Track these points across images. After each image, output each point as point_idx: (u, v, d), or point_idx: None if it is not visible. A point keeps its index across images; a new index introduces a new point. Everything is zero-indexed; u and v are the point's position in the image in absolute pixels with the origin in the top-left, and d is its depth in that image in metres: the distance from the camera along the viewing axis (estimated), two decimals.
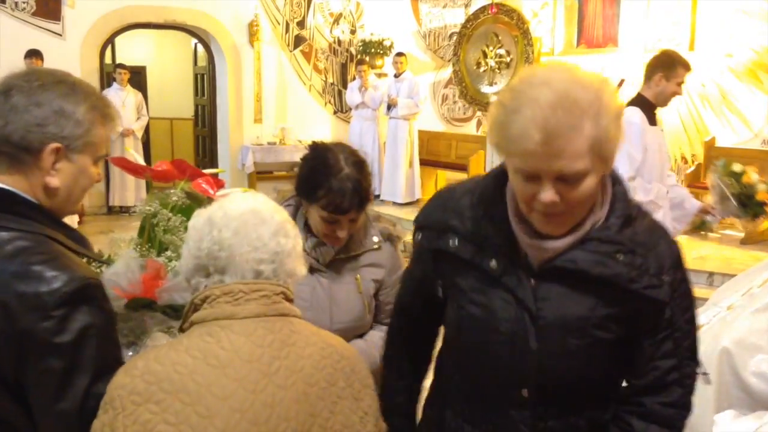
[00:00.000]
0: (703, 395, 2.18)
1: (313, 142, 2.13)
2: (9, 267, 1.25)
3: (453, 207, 1.51)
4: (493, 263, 1.43)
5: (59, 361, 1.24)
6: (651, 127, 4.06)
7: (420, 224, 1.58)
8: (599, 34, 8.69)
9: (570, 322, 1.40)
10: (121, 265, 1.62)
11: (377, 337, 2.20)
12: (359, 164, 2.03)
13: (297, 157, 9.62)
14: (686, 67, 4.01)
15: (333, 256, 2.12)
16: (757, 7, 7.31)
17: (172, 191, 1.79)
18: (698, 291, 5.17)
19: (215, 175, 1.92)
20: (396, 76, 9.59)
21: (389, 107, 9.39)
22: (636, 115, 4.05)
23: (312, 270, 2.07)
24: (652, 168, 4.03)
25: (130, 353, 1.63)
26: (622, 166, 3.96)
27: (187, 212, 1.73)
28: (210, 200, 1.76)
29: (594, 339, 1.40)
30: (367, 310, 2.18)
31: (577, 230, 1.38)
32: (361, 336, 2.20)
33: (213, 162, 10.82)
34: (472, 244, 1.46)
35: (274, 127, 10.98)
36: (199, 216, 1.36)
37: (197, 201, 1.77)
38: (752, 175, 3.63)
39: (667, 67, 4.02)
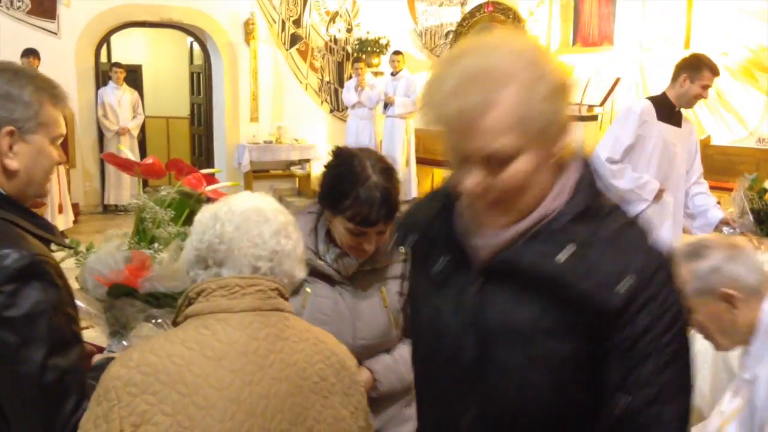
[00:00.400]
0: (699, 393, 2.19)
1: (337, 147, 1.99)
2: None
3: (423, 203, 1.40)
4: (441, 262, 1.28)
5: (12, 335, 1.28)
6: (660, 123, 4.04)
7: (397, 224, 1.47)
8: (595, 33, 8.69)
9: (515, 329, 1.17)
10: (103, 253, 1.66)
11: (406, 351, 1.96)
12: (388, 171, 1.89)
13: (293, 155, 9.64)
14: (713, 71, 3.99)
15: (356, 267, 1.97)
16: (753, 6, 7.32)
17: (163, 187, 1.83)
18: None
19: (211, 175, 1.94)
20: (393, 74, 9.61)
21: (386, 106, 9.41)
22: (641, 105, 4.15)
23: (333, 282, 1.96)
24: (650, 163, 4.03)
25: (122, 342, 1.66)
26: (604, 146, 4.06)
27: (177, 207, 1.78)
28: (201, 195, 1.81)
29: (545, 352, 1.16)
30: (393, 325, 2.02)
31: (520, 223, 1.18)
32: (387, 351, 2.06)
33: (209, 161, 10.81)
34: (427, 241, 1.33)
35: (270, 125, 10.96)
36: (206, 211, 1.40)
37: (188, 197, 1.81)
38: None
39: (693, 68, 4.01)
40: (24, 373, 1.29)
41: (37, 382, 1.30)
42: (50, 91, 1.47)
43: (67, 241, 1.59)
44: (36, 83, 1.44)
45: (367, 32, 11.14)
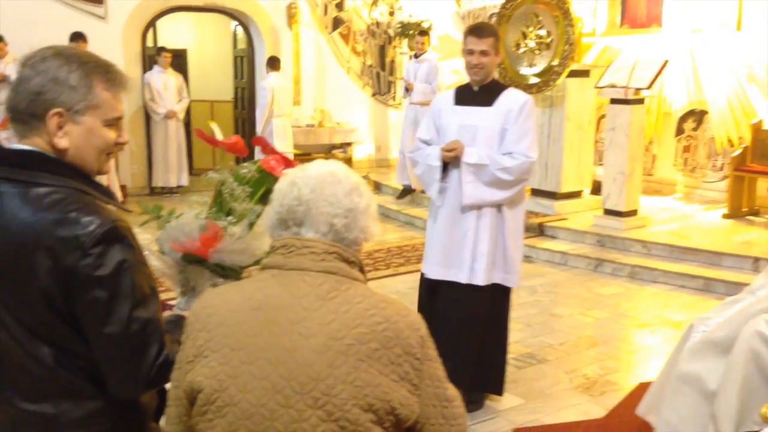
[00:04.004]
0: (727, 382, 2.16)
1: None
2: (49, 216, 1.43)
3: None
4: None
5: (102, 291, 1.43)
6: (457, 107, 3.73)
7: None
8: (643, 14, 8.51)
9: None
10: (182, 220, 1.79)
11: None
12: None
13: (335, 139, 9.65)
14: (471, 32, 3.64)
15: None
16: None
17: (245, 164, 1.95)
18: (743, 277, 5.03)
19: (288, 155, 2.05)
20: (416, 56, 9.17)
21: (406, 90, 9.05)
22: (437, 96, 4.03)
23: None
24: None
25: (189, 301, 1.83)
26: None
27: (255, 185, 1.89)
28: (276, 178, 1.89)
29: None
30: None
31: None
32: None
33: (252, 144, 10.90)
34: None
35: (312, 109, 11.01)
36: (284, 179, 1.52)
37: (268, 175, 1.91)
38: None
39: (462, 42, 3.74)
40: (112, 324, 1.43)
41: (124, 333, 1.44)
42: (102, 75, 1.53)
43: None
44: (86, 68, 1.51)
45: (410, 15, 11.08)
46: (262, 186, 1.89)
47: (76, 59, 1.51)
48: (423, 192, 8.70)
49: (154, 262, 1.74)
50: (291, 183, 1.49)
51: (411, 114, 8.88)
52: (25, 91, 1.48)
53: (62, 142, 1.50)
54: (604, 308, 5.57)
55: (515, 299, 5.75)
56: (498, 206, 3.66)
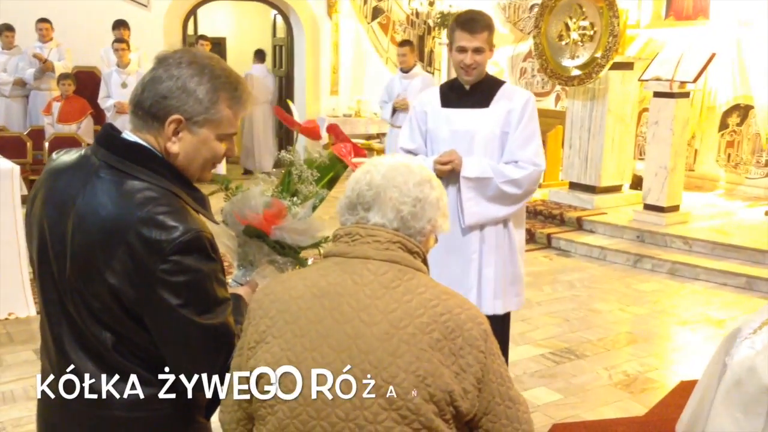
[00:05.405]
0: None
1: None
2: (137, 212, 1.43)
3: None
4: None
5: (174, 297, 1.44)
6: (445, 109, 3.23)
7: None
8: (689, 6, 8.33)
9: None
10: (248, 193, 1.83)
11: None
12: None
13: (372, 129, 9.44)
14: (461, 26, 3.10)
15: None
16: None
17: (318, 150, 1.99)
18: None
19: (361, 147, 2.07)
20: (404, 71, 7.86)
21: (394, 111, 7.65)
22: (419, 97, 3.49)
23: None
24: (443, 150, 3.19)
25: (245, 277, 1.88)
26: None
27: (323, 170, 1.92)
28: (346, 165, 1.93)
29: None
30: None
31: None
32: None
33: (289, 133, 10.95)
34: None
35: (350, 99, 11.00)
36: (361, 168, 1.56)
37: (339, 161, 1.94)
38: None
39: (449, 36, 3.18)
40: (183, 330, 1.46)
41: (194, 340, 1.47)
42: (229, 92, 1.54)
43: (217, 217, 1.71)
44: (216, 82, 1.52)
45: (450, 5, 10.99)
46: (331, 172, 1.92)
47: (209, 72, 1.52)
48: None
49: (216, 231, 1.76)
50: (365, 171, 1.52)
51: (393, 138, 7.43)
52: (153, 91, 1.50)
53: (174, 147, 1.52)
54: (644, 304, 5.49)
55: (552, 293, 5.74)
56: (503, 222, 3.24)
